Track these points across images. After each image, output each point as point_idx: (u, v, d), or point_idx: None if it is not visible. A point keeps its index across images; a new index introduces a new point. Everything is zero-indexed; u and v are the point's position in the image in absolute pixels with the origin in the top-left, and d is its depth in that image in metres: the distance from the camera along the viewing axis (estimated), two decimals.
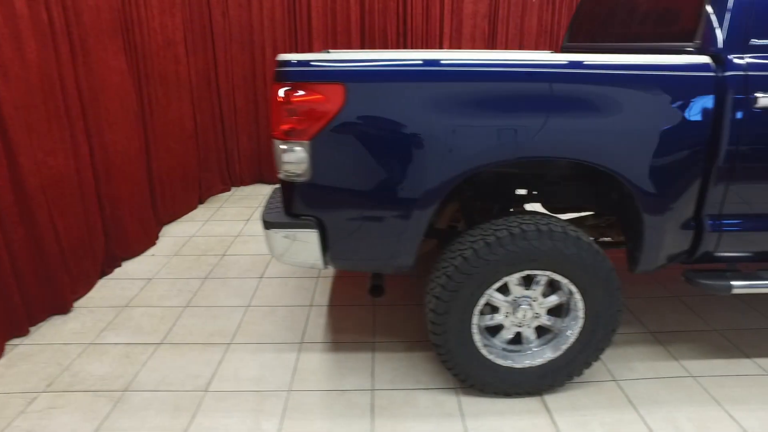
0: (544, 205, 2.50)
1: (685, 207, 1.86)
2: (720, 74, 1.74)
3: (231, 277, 3.01)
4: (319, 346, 2.35)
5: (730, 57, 1.75)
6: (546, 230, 1.79)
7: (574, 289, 1.87)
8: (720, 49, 1.77)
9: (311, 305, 2.70)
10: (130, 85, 3.08)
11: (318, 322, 2.55)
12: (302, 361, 2.25)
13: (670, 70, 1.71)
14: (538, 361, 1.97)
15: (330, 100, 1.70)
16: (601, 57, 1.72)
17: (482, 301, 1.87)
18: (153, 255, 3.30)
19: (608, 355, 2.28)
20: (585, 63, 1.70)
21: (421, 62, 1.68)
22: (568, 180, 2.25)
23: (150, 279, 2.98)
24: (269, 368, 2.20)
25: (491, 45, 4.48)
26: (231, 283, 2.95)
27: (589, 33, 2.82)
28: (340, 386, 2.09)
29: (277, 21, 4.15)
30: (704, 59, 1.74)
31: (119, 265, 3.10)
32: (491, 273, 1.81)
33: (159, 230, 3.58)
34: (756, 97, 1.73)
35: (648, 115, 1.72)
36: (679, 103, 1.72)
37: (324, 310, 2.66)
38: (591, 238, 1.88)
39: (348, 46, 4.28)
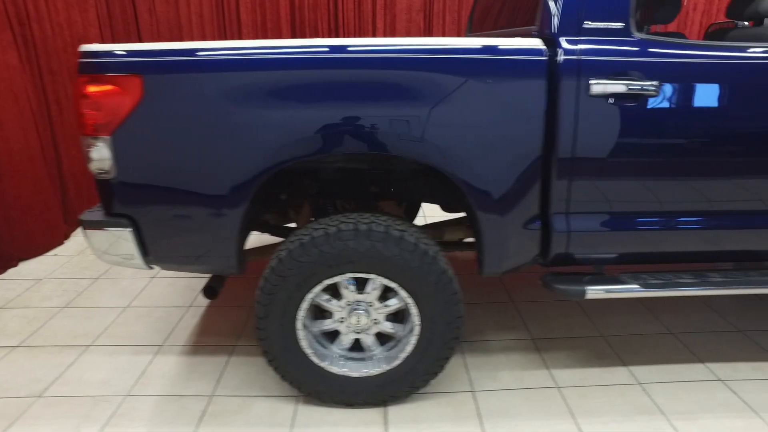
0: (441, 206, 2.37)
1: (525, 204, 1.72)
2: (552, 59, 1.61)
3: (123, 277, 2.94)
4: (178, 349, 2.26)
5: (562, 40, 1.62)
6: (365, 230, 1.67)
7: (404, 293, 1.75)
8: (553, 32, 1.64)
9: (190, 306, 2.61)
10: (24, 82, 3.03)
11: (188, 324, 2.45)
12: (155, 364, 2.16)
13: (496, 54, 1.58)
14: (375, 370, 1.85)
15: (127, 92, 1.60)
16: (416, 41, 1.59)
17: (304, 305, 1.75)
18: (56, 255, 3.24)
19: (477, 363, 2.15)
20: (395, 47, 1.57)
21: (218, 51, 1.58)
22: (418, 175, 2.11)
23: (40, 279, 2.92)
24: (118, 372, 2.11)
25: None
26: (121, 283, 2.88)
27: (482, 24, 2.68)
28: (181, 391, 1.99)
29: (205, 17, 4.08)
30: (535, 43, 1.60)
31: (14, 265, 3.05)
32: (307, 275, 1.70)
33: (71, 230, 3.53)
34: (590, 84, 1.60)
35: (472, 102, 1.58)
36: (507, 89, 1.58)
37: (201, 311, 2.57)
38: (425, 239, 1.74)
39: None
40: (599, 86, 1.59)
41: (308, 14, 4.18)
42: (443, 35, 4.28)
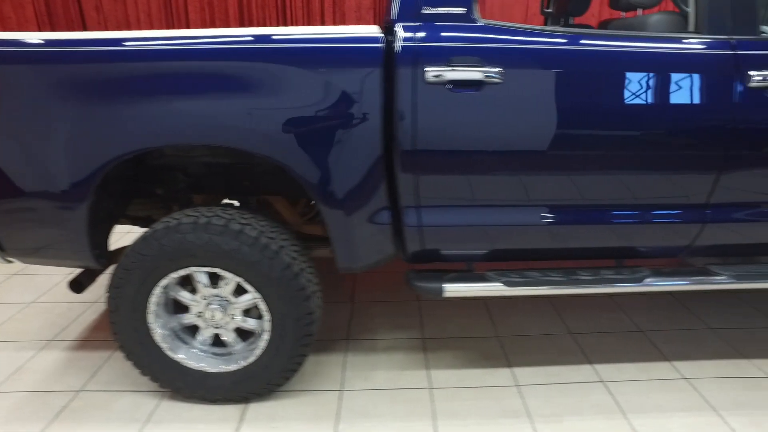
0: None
1: (369, 198, 1.66)
2: (390, 46, 1.55)
3: (40, 274, 2.95)
4: (65, 345, 2.25)
5: (398, 27, 1.56)
6: (204, 223, 1.63)
7: (251, 288, 1.71)
8: (392, 18, 1.59)
9: (95, 302, 2.61)
10: None
11: (86, 320, 2.44)
12: (36, 360, 2.15)
13: (330, 43, 1.53)
14: (232, 366, 1.81)
15: None
16: (248, 30, 1.55)
17: (153, 299, 1.72)
18: None
19: (356, 362, 2.10)
20: (224, 38, 1.52)
21: (43, 42, 1.55)
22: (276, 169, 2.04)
23: None
24: None
25: None
26: (36, 279, 2.89)
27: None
28: (50, 387, 1.98)
29: (153, 15, 4.10)
30: (372, 30, 1.55)
31: None
32: (151, 269, 1.67)
33: None
34: (425, 71, 1.54)
35: (307, 93, 1.54)
36: (343, 79, 1.53)
37: (102, 308, 2.57)
38: (270, 234, 1.68)
39: None
40: (436, 73, 1.53)
41: (256, 12, 4.18)
42: None
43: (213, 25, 4.15)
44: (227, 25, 4.17)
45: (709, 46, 1.62)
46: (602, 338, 2.27)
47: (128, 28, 4.08)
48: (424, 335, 2.30)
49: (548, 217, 1.71)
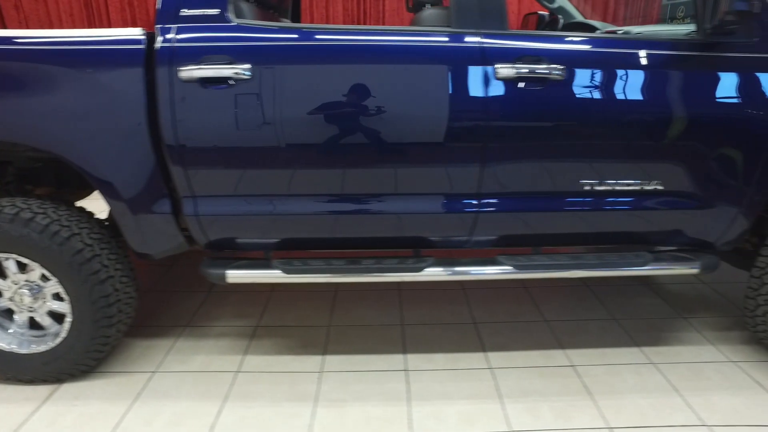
0: None
1: (146, 190, 1.76)
2: (152, 47, 1.65)
3: None
4: None
5: (158, 28, 1.66)
6: None
7: (47, 273, 1.82)
8: (156, 20, 1.68)
9: None
10: None
11: None
12: None
13: (95, 45, 1.64)
14: (42, 347, 1.92)
15: None
16: (21, 32, 1.65)
17: None
18: None
19: (183, 347, 2.19)
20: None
21: None
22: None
23: None
24: None
25: None
26: None
27: None
28: None
29: (75, 15, 4.23)
30: (135, 32, 1.65)
31: None
32: None
33: None
34: (179, 70, 1.63)
35: (79, 93, 1.64)
36: (109, 79, 1.64)
37: None
38: (65, 222, 1.77)
39: None
40: (188, 72, 1.62)
41: None
42: None
43: (134, 25, 4.27)
44: (149, 25, 4.28)
45: (457, 39, 1.69)
46: (432, 329, 2.34)
47: (50, 26, 4.21)
48: (260, 323, 2.40)
49: (319, 206, 1.80)
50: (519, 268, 1.88)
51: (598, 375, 2.03)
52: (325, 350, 2.18)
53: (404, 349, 2.19)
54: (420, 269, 1.86)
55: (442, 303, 2.58)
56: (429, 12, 1.85)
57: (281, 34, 1.67)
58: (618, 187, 1.81)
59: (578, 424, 1.78)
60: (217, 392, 1.93)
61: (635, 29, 2.23)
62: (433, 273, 1.87)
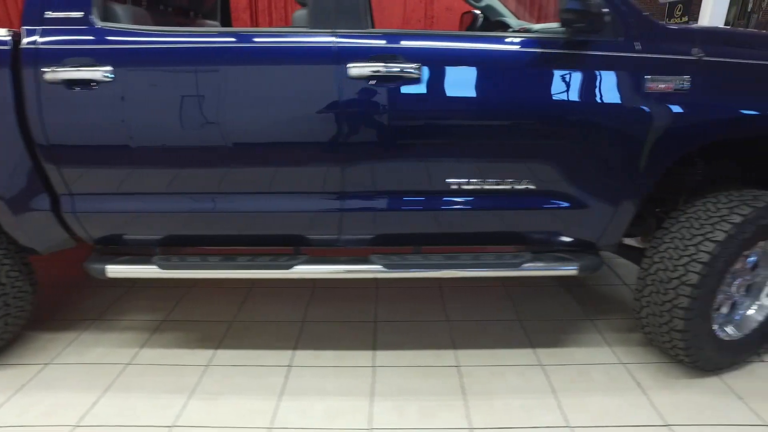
0: None
1: (21, 187, 1.82)
2: (19, 48, 1.70)
3: None
4: None
5: (23, 30, 1.71)
6: None
7: None
8: (22, 21, 1.73)
9: None
10: None
11: None
12: None
13: None
14: None
15: None
16: None
17: None
18: None
19: (86, 340, 2.25)
20: None
21: None
22: None
23: None
24: None
25: None
26: None
27: None
28: None
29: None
30: (1, 33, 1.72)
31: None
32: None
33: None
34: (43, 71, 1.68)
35: None
36: None
37: None
38: None
39: None
40: (51, 74, 1.67)
41: None
42: None
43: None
44: None
45: (312, 39, 1.71)
46: (330, 327, 2.36)
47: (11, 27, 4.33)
48: (168, 317, 2.45)
49: (186, 205, 1.83)
50: (389, 267, 1.89)
51: (481, 376, 2.03)
52: (219, 344, 2.22)
53: (296, 346, 2.22)
54: (290, 266, 1.89)
55: (350, 301, 2.59)
56: (299, 12, 1.87)
57: (143, 37, 1.71)
58: (487, 187, 1.81)
59: (441, 424, 1.78)
60: (101, 383, 1.98)
61: (536, 27, 2.22)
62: (303, 270, 1.90)
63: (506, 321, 2.43)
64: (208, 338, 2.28)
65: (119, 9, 1.86)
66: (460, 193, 1.83)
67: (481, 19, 3.10)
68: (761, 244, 1.90)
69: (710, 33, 1.84)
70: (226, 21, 3.08)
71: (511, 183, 1.81)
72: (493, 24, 2.80)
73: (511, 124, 1.74)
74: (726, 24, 5.52)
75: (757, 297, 2.08)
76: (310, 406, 1.86)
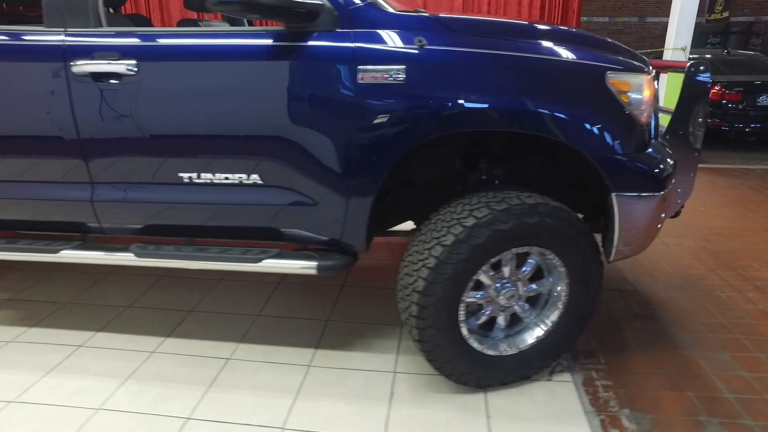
0: None
1: None
2: None
3: None
4: None
5: None
6: None
7: None
8: None
9: None
10: None
11: None
12: None
13: None
14: None
15: None
16: None
17: None
18: None
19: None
20: None
21: None
22: None
23: None
24: None
25: None
26: None
27: None
28: None
29: None
30: None
31: None
32: None
33: None
34: None
35: None
36: None
37: None
38: None
39: None
40: None
41: None
42: None
43: None
44: None
45: (42, 37, 1.79)
46: (155, 313, 2.45)
47: None
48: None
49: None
50: (139, 255, 1.94)
51: (245, 370, 2.03)
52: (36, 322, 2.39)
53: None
54: (57, 251, 1.99)
55: (194, 291, 2.66)
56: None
57: None
58: (217, 180, 1.80)
59: (164, 411, 1.81)
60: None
61: None
62: (70, 255, 2.00)
63: (315, 320, 2.38)
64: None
65: None
66: (193, 186, 1.84)
67: None
68: (515, 250, 1.73)
69: (445, 21, 1.68)
70: None
71: (239, 178, 1.79)
72: None
73: (226, 119, 1.73)
74: None
75: (540, 312, 1.90)
76: (61, 384, 1.94)
